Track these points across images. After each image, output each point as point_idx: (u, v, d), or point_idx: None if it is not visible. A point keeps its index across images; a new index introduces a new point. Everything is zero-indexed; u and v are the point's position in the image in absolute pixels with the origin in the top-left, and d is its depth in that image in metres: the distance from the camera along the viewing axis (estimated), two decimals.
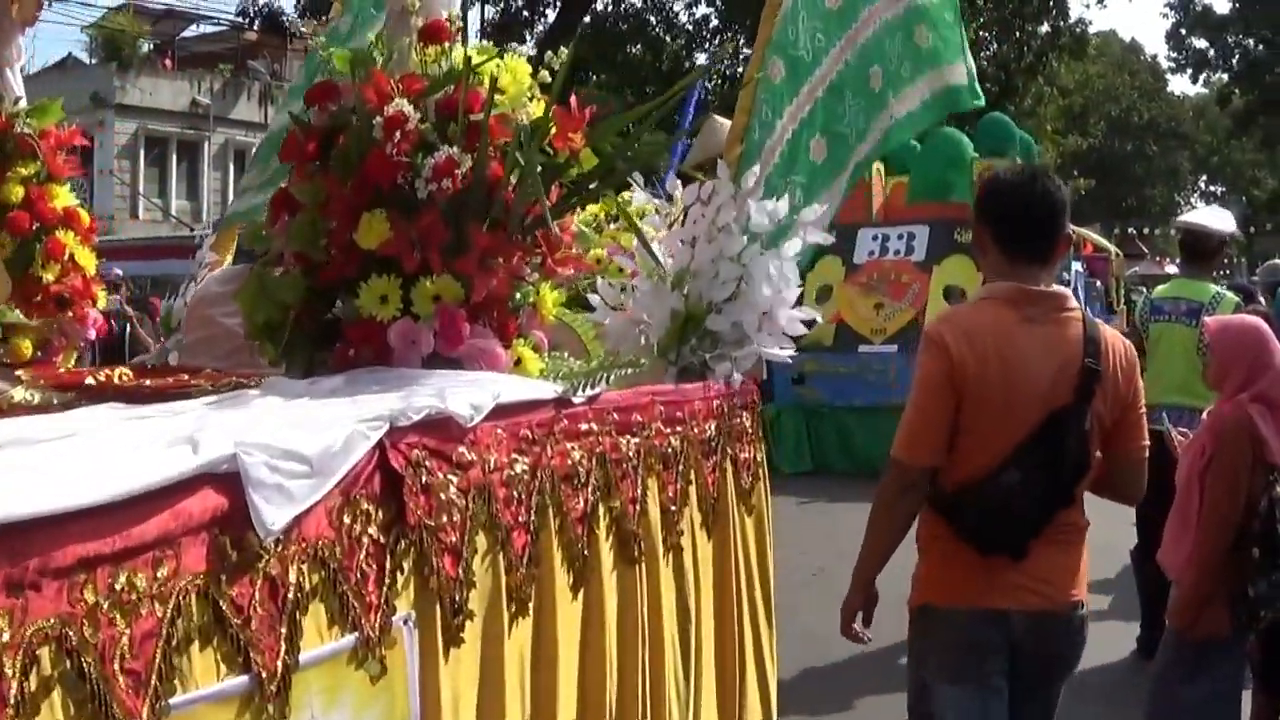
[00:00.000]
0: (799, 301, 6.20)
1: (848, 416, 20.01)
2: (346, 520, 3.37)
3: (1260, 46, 74.87)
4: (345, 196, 4.62)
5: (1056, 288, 5.02)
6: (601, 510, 4.69)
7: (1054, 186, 4.99)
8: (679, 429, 5.30)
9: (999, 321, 4.86)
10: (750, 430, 6.03)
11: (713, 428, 5.60)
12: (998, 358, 4.78)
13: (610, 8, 53.19)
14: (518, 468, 4.16)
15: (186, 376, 4.94)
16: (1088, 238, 40.03)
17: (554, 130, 4.79)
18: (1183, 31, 79.14)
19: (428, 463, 3.70)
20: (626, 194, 7.03)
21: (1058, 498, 4.88)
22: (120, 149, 53.38)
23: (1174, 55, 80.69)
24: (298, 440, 3.26)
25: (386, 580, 3.49)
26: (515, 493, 4.14)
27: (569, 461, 4.48)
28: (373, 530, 3.47)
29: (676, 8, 55.89)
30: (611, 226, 7.66)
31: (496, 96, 4.71)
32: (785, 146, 6.71)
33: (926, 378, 4.88)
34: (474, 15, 46.84)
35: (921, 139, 26.16)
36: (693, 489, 5.43)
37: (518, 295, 4.92)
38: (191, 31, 60.33)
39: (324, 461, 3.28)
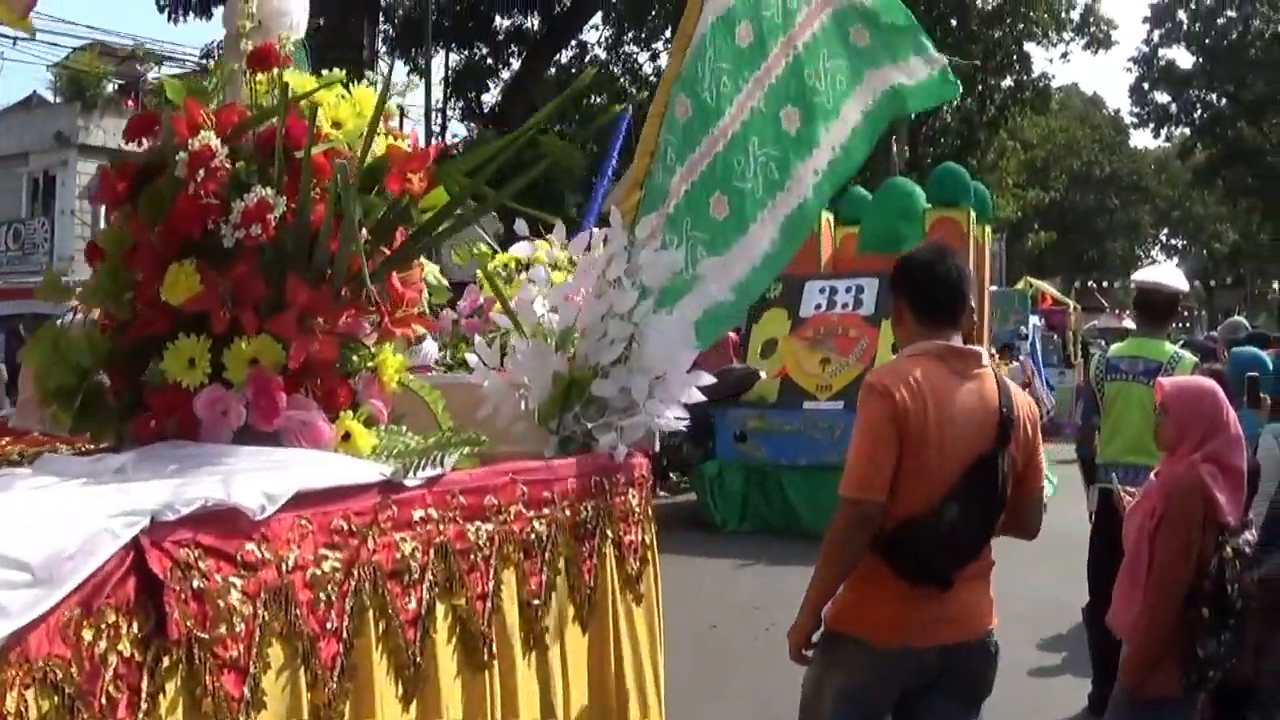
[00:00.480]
0: (696, 364, 5.53)
1: (790, 476, 18.95)
2: (87, 636, 2.82)
3: (1223, 100, 75.27)
4: (152, 244, 3.99)
5: (972, 346, 5.49)
6: (441, 610, 4.04)
7: (958, 262, 5.55)
8: (546, 511, 4.62)
9: (931, 374, 5.27)
10: (638, 509, 5.30)
11: (590, 508, 4.90)
12: (934, 406, 5.20)
13: (574, 58, 52.74)
14: (326, 565, 3.55)
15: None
16: (1047, 291, 39.69)
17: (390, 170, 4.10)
18: (1145, 86, 78.68)
19: (202, 563, 3.13)
20: (543, 242, 6.33)
21: (987, 531, 5.39)
22: (82, 189, 52.10)
23: (1136, 110, 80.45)
24: (17, 542, 2.70)
25: (144, 705, 2.93)
26: (323, 594, 3.53)
27: (398, 555, 3.84)
28: (124, 646, 2.92)
29: (641, 58, 56.02)
30: (521, 276, 6.94)
31: (334, 131, 4.05)
32: (683, 199, 6.04)
33: (874, 422, 5.22)
34: (437, 62, 46.90)
35: (873, 189, 25.74)
36: (562, 579, 4.75)
37: (354, 359, 4.22)
38: (156, 72, 59.43)
39: (51, 567, 2.72)
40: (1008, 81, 54.66)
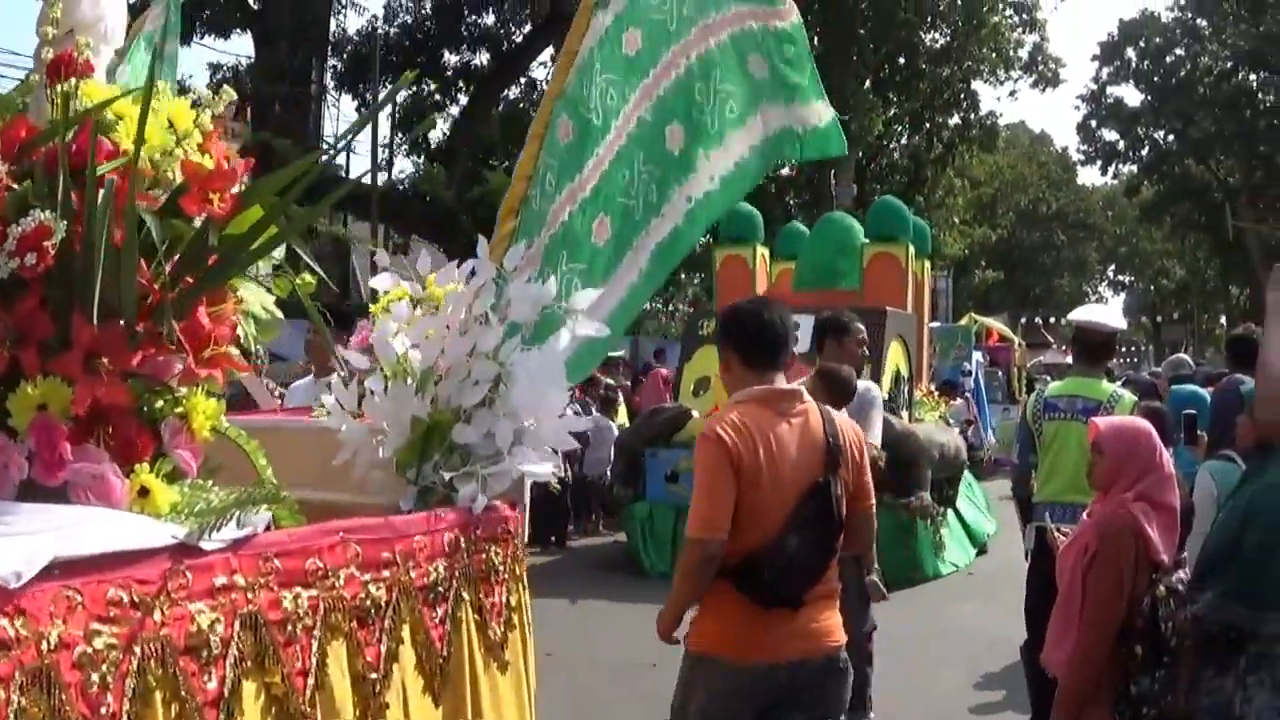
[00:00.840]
0: (565, 405, 5.01)
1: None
2: None
3: (1170, 138, 75.85)
4: None
5: (794, 386, 6.15)
6: (250, 688, 3.51)
7: (783, 313, 6.10)
8: (386, 573, 4.09)
9: (759, 417, 5.82)
10: (503, 568, 4.75)
11: (442, 568, 4.38)
12: (762, 446, 5.72)
13: (522, 95, 52.51)
14: (100, 642, 3.04)
15: None
16: (992, 326, 39.35)
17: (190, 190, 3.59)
18: (1094, 123, 79.62)
19: None
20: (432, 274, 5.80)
21: (829, 552, 5.91)
22: None
23: (1084, 147, 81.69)
24: None
25: None
26: (96, 675, 3.02)
27: (193, 628, 3.32)
28: None
29: None
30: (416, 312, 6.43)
31: (130, 144, 3.56)
32: (560, 229, 5.56)
33: (711, 467, 5.71)
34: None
35: (810, 223, 25.27)
36: (407, 649, 4.21)
37: (159, 404, 3.72)
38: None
39: None
40: (955, 119, 54.80)
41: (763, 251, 23.05)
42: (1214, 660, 6.30)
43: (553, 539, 21.00)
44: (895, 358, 19.10)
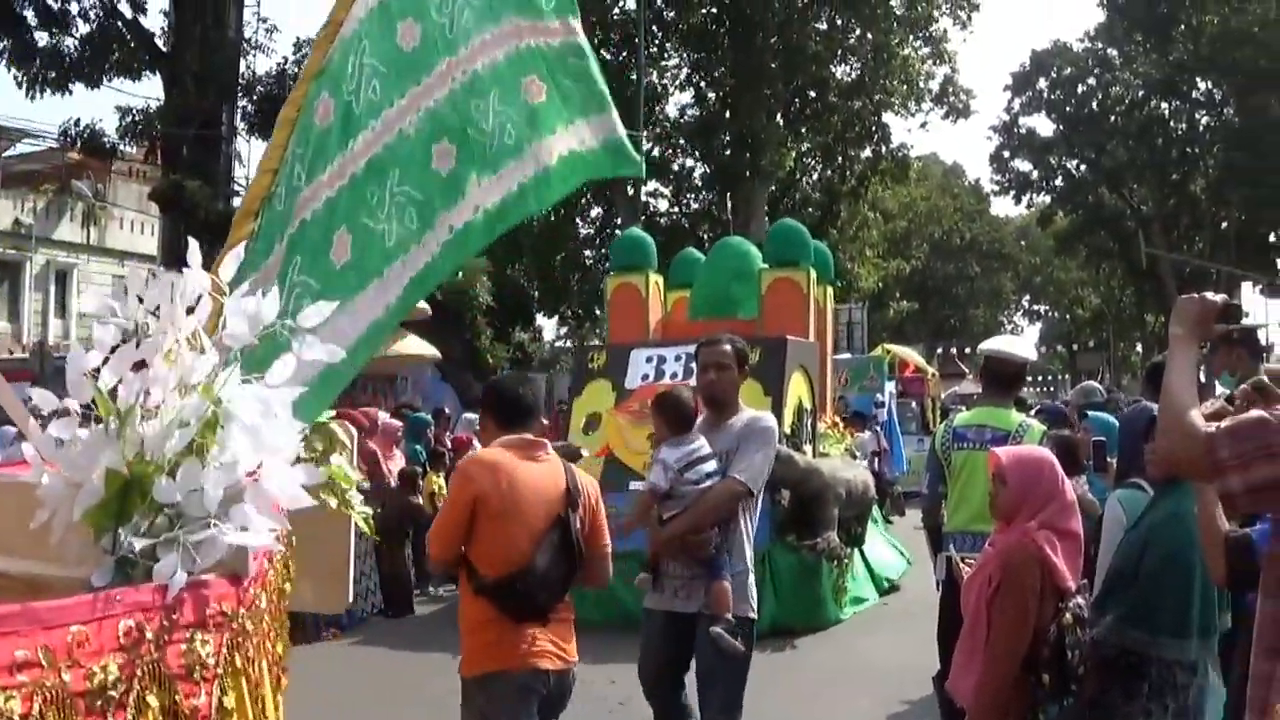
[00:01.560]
0: (295, 451, 3.92)
1: (616, 564, 16.68)
2: None
3: (1083, 167, 76.35)
4: None
5: (540, 439, 7.38)
6: None
7: (531, 389, 7.67)
8: (22, 678, 3.00)
9: (509, 459, 6.98)
10: (214, 661, 3.62)
11: (115, 667, 3.28)
12: (509, 483, 6.86)
13: None
14: None
15: None
16: (908, 357, 38.63)
17: None
18: (1006, 154, 79.90)
19: None
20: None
21: (570, 575, 7.05)
22: None
23: (998, 178, 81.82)
24: None
25: None
26: None
27: None
28: None
29: None
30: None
31: None
32: (299, 229, 4.49)
33: (456, 500, 6.97)
34: None
35: (704, 250, 24.23)
36: None
37: None
38: (14, 150, 58.58)
39: None
40: (867, 152, 54.44)
41: (656, 279, 21.99)
42: (1119, 685, 6.64)
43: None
44: (798, 389, 17.95)
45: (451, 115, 5.23)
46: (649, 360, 18.20)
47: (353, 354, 4.67)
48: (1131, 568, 6.79)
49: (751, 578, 8.34)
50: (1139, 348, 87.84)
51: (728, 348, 8.68)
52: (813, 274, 20.88)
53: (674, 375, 17.48)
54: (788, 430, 16.86)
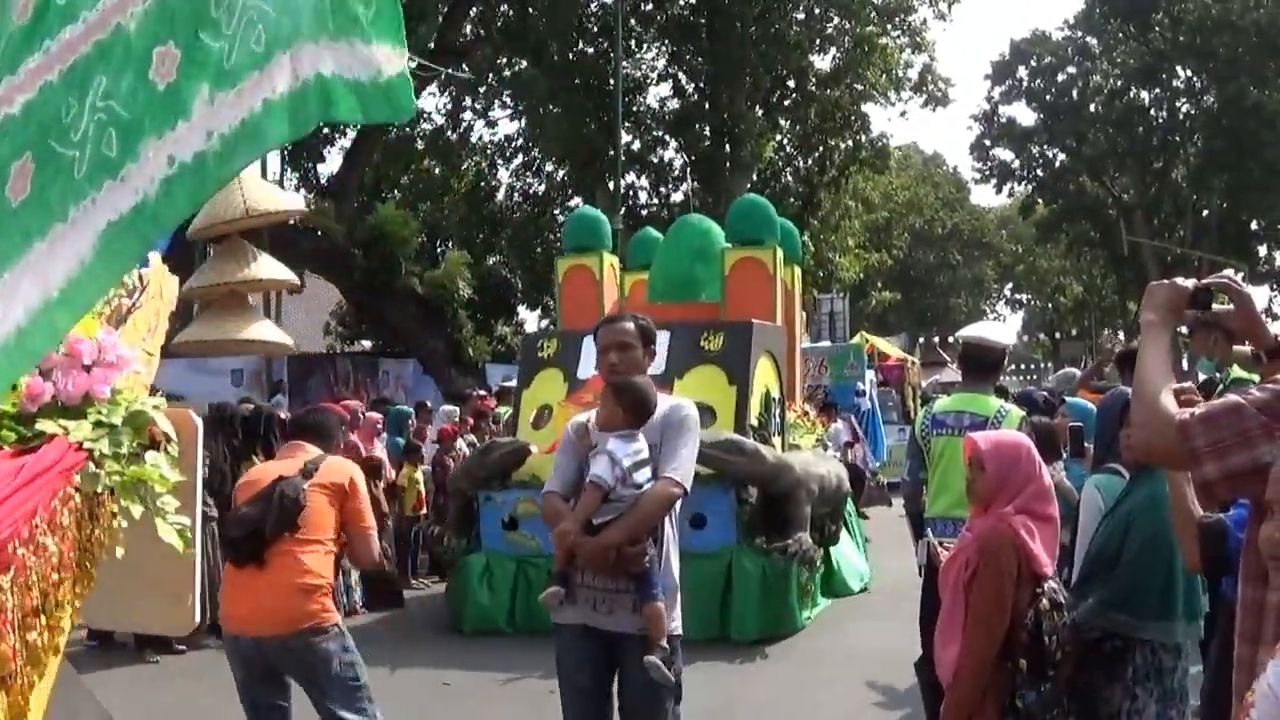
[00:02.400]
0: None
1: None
2: None
3: (1063, 156, 75.90)
4: None
5: (298, 444, 8.62)
6: None
7: (322, 414, 9.19)
8: None
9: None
10: None
11: None
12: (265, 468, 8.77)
13: (410, 126, 51.13)
14: None
15: None
16: (880, 346, 37.86)
17: None
18: (987, 143, 79.47)
19: None
20: None
21: (270, 521, 7.93)
22: None
23: (978, 166, 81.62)
24: None
25: None
26: None
27: None
28: None
29: (478, 126, 55.78)
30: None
31: None
32: None
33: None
34: None
35: (664, 229, 22.93)
36: None
37: None
38: None
39: None
40: (847, 142, 53.92)
41: (611, 260, 20.52)
42: (1101, 669, 6.66)
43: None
44: (765, 377, 16.61)
45: (183, 10, 3.75)
46: None
47: (31, 332, 3.48)
48: (1113, 552, 6.78)
49: (677, 583, 7.20)
50: (1121, 335, 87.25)
51: (630, 325, 7.49)
52: (779, 253, 19.26)
53: None
54: (754, 422, 15.84)
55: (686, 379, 15.83)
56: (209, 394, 21.45)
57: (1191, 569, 6.07)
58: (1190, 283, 4.64)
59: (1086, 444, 9.90)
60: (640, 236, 23.10)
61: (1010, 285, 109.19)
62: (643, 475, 6.86)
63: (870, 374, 33.07)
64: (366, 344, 46.39)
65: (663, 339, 15.85)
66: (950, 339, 65.90)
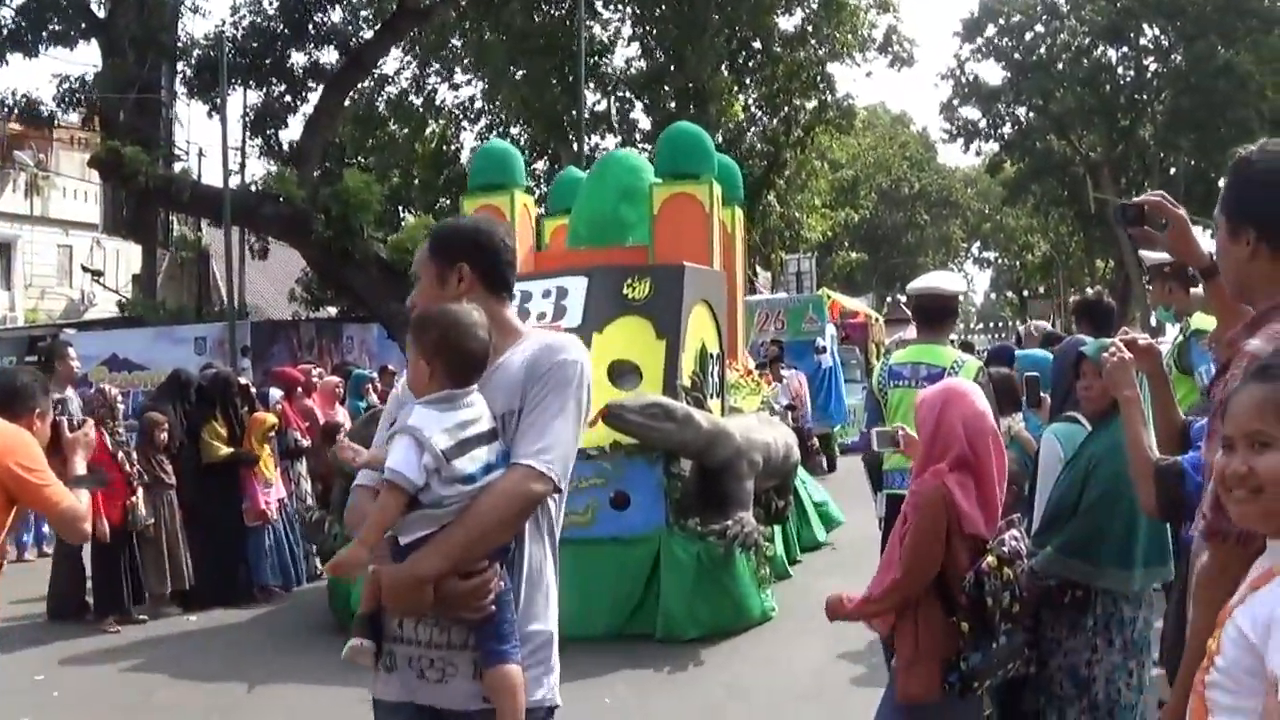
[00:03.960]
0: None
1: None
2: None
3: (1030, 115, 74.75)
4: None
5: None
6: None
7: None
8: None
9: None
10: None
11: None
12: None
13: (373, 90, 51.26)
14: None
15: None
16: (839, 301, 35.64)
17: None
18: (955, 103, 77.89)
19: None
20: None
21: None
22: None
23: (946, 126, 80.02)
24: None
25: None
26: None
27: None
28: None
29: (441, 89, 54.38)
30: None
31: None
32: None
33: None
34: (235, 101, 45.73)
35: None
36: None
37: None
38: None
39: None
40: (812, 102, 52.61)
41: (525, 200, 17.96)
42: (1064, 620, 6.57)
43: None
44: (700, 329, 14.33)
45: None
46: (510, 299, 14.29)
47: None
48: (1073, 500, 6.66)
49: (555, 630, 4.75)
50: (1089, 292, 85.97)
51: (423, 247, 4.96)
52: (716, 189, 16.70)
53: (541, 317, 13.76)
54: (687, 382, 13.58)
55: (607, 332, 13.67)
56: (174, 362, 21.01)
57: (1149, 512, 5.60)
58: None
59: (1043, 394, 9.31)
60: (564, 177, 20.81)
61: (978, 244, 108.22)
62: (475, 463, 4.33)
63: (831, 329, 30.78)
64: (332, 310, 44.59)
65: (578, 286, 13.89)
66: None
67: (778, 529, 15.49)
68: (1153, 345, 5.62)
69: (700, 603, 12.50)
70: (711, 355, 14.58)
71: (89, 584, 14.28)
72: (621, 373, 13.43)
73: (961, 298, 10.81)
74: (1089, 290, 11.45)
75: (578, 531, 11.83)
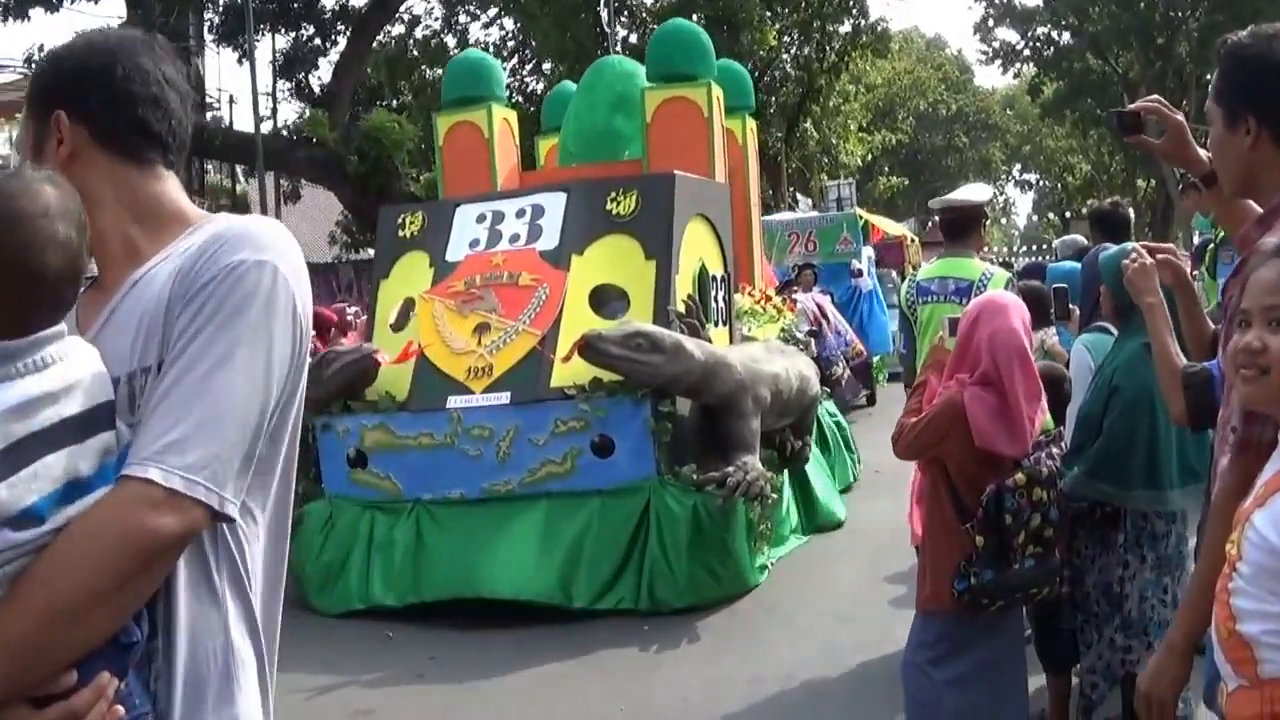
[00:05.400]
0: None
1: (439, 516, 10.71)
2: None
3: (1068, 35, 71.97)
4: None
5: None
6: None
7: None
8: None
9: None
10: None
11: None
12: None
13: (406, 31, 49.71)
14: None
15: None
16: (879, 224, 33.08)
17: None
18: (990, 24, 75.21)
19: None
20: None
21: None
22: None
23: (982, 48, 77.68)
24: None
25: None
26: None
27: None
28: None
29: (473, 28, 52.24)
30: None
31: None
32: None
33: None
34: (264, 46, 43.48)
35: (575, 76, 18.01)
36: None
37: None
38: None
39: None
40: (845, 27, 50.10)
41: (505, 115, 15.23)
42: (1096, 536, 6.50)
43: None
44: (696, 246, 11.98)
45: None
46: (480, 219, 12.12)
47: None
48: (1098, 415, 6.42)
49: None
50: (1131, 213, 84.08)
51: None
52: (717, 93, 14.09)
53: (515, 239, 11.73)
54: (681, 307, 11.27)
55: (589, 254, 11.48)
56: None
57: (1178, 421, 5.14)
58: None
59: (1072, 306, 9.15)
60: (557, 91, 18.33)
61: (1018, 166, 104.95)
62: (45, 482, 2.23)
63: (868, 250, 28.06)
64: (372, 252, 42.99)
65: (556, 203, 11.71)
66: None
67: (821, 463, 13.51)
68: (1174, 252, 5.29)
69: (696, 566, 10.27)
70: (714, 278, 12.25)
71: None
72: (606, 299, 11.26)
73: (1004, 220, 9.42)
74: (1130, 212, 10.05)
75: (557, 484, 10.49)
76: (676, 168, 12.07)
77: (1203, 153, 4.59)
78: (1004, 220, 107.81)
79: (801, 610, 10.15)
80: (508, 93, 45.96)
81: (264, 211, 37.58)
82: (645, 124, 13.86)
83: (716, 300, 12.23)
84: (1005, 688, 6.06)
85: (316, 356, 11.34)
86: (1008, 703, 6.05)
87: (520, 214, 11.87)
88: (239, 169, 44.93)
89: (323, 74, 44.04)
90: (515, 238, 11.72)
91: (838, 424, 15.22)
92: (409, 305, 11.86)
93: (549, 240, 11.54)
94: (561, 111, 15.79)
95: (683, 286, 11.42)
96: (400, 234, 12.42)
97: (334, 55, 43.00)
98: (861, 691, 8.35)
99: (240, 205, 45.91)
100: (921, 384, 6.27)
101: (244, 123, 38.71)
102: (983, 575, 5.67)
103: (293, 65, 43.35)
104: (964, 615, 5.86)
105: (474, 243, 11.85)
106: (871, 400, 23.20)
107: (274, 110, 43.93)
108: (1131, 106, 4.76)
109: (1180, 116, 4.61)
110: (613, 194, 11.53)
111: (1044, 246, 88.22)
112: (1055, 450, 6.03)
